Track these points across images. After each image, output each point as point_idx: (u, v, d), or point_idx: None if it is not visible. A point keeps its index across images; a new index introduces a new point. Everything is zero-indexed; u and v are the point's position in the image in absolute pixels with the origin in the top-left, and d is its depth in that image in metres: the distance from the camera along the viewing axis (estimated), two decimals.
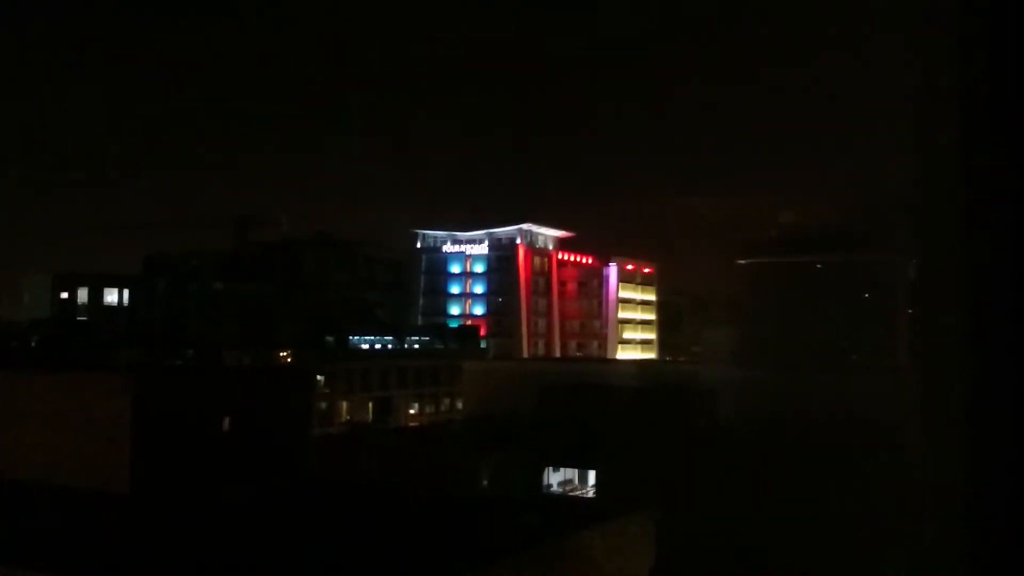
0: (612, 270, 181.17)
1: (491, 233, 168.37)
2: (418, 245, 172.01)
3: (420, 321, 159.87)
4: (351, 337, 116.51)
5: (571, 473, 54.43)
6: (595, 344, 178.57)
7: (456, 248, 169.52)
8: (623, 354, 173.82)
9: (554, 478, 53.41)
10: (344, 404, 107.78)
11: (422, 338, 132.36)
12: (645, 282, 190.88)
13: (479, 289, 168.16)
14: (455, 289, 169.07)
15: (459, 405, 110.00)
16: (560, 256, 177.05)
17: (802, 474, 43.92)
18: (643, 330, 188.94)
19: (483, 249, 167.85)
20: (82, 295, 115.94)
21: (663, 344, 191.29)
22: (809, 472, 44.07)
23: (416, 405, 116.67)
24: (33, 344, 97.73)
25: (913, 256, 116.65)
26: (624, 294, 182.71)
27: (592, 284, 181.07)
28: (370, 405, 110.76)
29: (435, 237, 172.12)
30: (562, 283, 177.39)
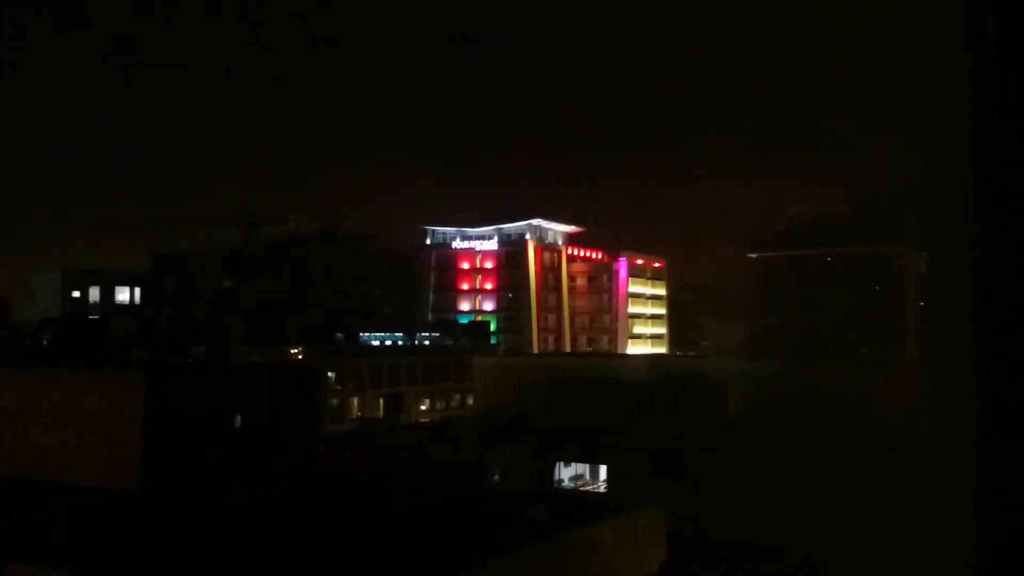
0: (622, 265, 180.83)
1: (500, 229, 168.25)
2: (427, 241, 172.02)
3: (430, 317, 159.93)
4: (361, 333, 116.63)
5: (582, 468, 54.39)
6: (605, 339, 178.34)
7: (465, 244, 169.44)
8: (633, 349, 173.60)
9: (565, 473, 53.37)
10: (355, 400, 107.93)
11: (432, 334, 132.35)
12: (655, 276, 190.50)
13: (489, 285, 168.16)
14: (465, 285, 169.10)
15: (469, 401, 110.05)
16: (569, 251, 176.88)
17: (812, 467, 43.82)
18: (653, 324, 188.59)
19: (492, 245, 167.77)
20: (93, 293, 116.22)
21: (673, 338, 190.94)
22: (819, 465, 43.98)
23: (427, 401, 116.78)
24: (44, 342, 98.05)
25: (923, 248, 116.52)
26: (634, 288, 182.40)
27: (602, 279, 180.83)
28: (381, 401, 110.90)
29: (444, 233, 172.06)
30: (572, 278, 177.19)
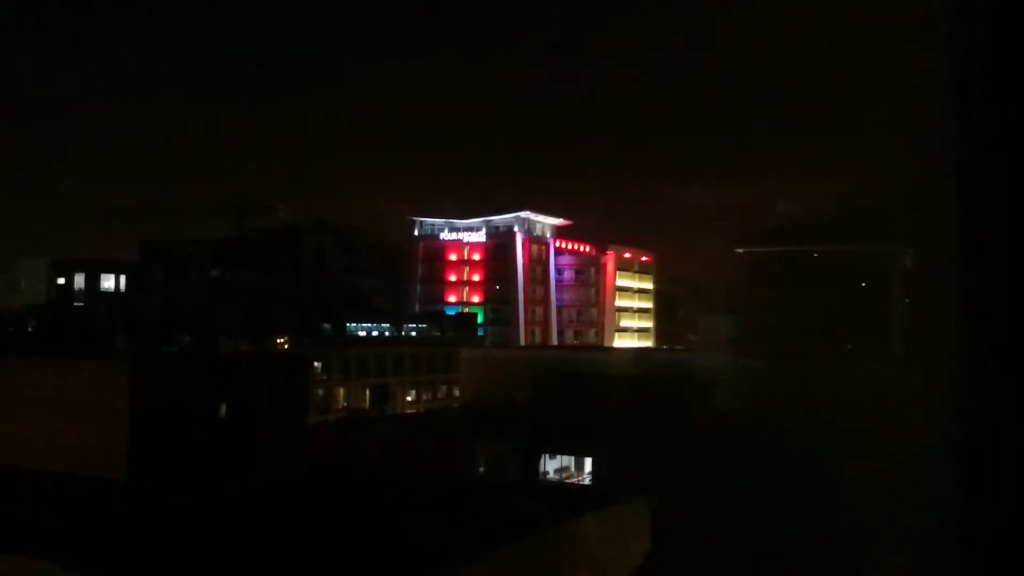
0: (610, 258, 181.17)
1: (489, 221, 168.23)
2: (416, 232, 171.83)
3: (417, 308, 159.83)
4: (348, 324, 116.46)
5: (567, 461, 54.50)
6: (592, 332, 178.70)
7: (454, 236, 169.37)
8: (620, 342, 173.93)
9: (550, 465, 53.47)
10: (341, 391, 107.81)
11: (419, 325, 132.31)
12: (643, 270, 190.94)
13: (476, 277, 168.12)
14: (452, 277, 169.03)
15: (456, 393, 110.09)
16: (558, 244, 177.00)
17: (797, 464, 44.00)
18: (640, 318, 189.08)
19: (481, 237, 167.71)
20: (79, 281, 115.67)
21: (660, 332, 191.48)
22: (804, 462, 44.17)
23: (413, 392, 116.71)
24: (30, 330, 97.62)
25: (910, 245, 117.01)
26: (622, 282, 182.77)
27: (589, 272, 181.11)
28: (367, 392, 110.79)
29: (433, 224, 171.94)
30: (559, 271, 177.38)
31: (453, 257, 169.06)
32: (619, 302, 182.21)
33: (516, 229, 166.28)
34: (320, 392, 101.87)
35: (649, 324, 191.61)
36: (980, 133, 13.85)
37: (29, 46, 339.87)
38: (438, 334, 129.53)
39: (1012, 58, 12.30)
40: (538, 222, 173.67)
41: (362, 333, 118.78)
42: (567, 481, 52.50)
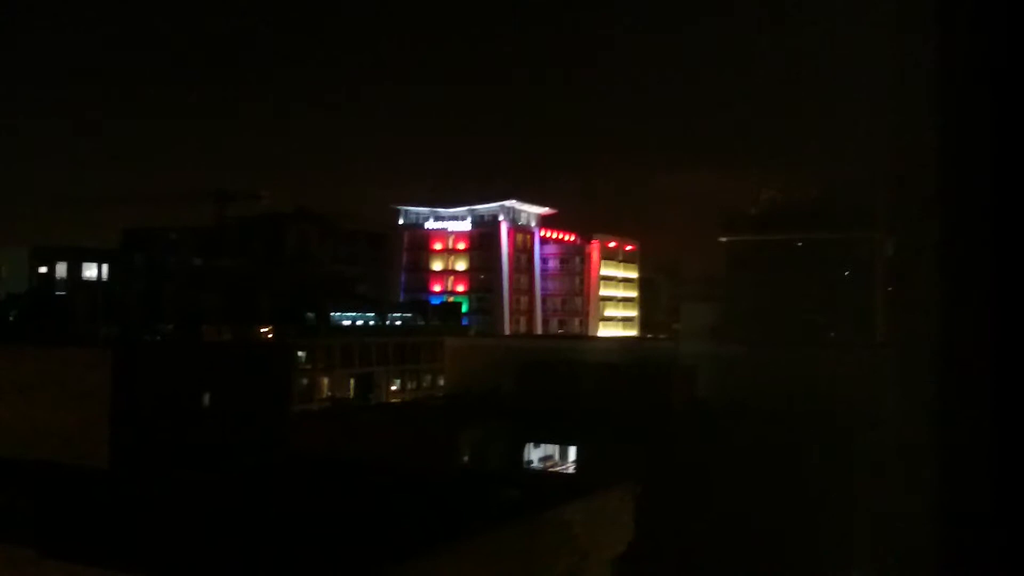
0: (594, 247, 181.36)
1: (473, 210, 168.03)
2: (400, 221, 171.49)
3: (402, 297, 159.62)
4: (332, 313, 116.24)
5: (551, 449, 54.61)
6: (576, 321, 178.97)
7: (438, 224, 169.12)
8: (604, 331, 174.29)
9: (535, 454, 53.56)
10: (325, 380, 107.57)
11: (404, 314, 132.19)
12: (627, 259, 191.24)
13: (461, 266, 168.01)
14: (437, 266, 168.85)
15: (440, 382, 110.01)
16: (543, 233, 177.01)
17: (778, 450, 44.21)
18: (624, 307, 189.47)
19: (465, 226, 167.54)
20: (60, 269, 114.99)
21: (644, 321, 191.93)
22: (785, 448, 44.38)
23: (397, 381, 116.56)
24: (11, 319, 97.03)
25: (892, 233, 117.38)
26: (606, 271, 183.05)
27: (574, 261, 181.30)
28: (351, 381, 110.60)
29: (417, 213, 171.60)
30: (544, 260, 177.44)
31: (438, 246, 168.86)
32: (604, 291, 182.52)
33: (501, 218, 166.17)
34: (304, 381, 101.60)
35: (634, 313, 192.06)
36: (962, 122, 13.90)
37: (3, 34, 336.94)
38: (423, 323, 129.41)
39: (993, 48, 12.35)
40: (523, 211, 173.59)
41: (346, 322, 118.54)
42: (551, 470, 52.61)
